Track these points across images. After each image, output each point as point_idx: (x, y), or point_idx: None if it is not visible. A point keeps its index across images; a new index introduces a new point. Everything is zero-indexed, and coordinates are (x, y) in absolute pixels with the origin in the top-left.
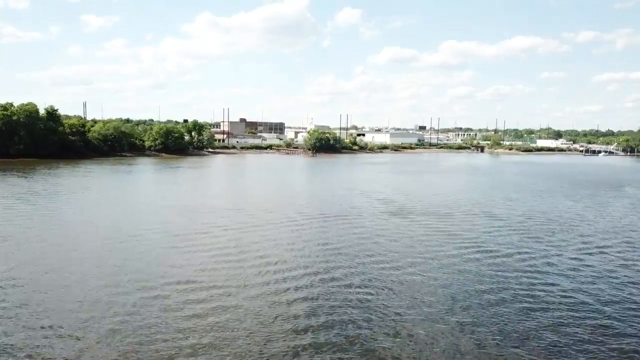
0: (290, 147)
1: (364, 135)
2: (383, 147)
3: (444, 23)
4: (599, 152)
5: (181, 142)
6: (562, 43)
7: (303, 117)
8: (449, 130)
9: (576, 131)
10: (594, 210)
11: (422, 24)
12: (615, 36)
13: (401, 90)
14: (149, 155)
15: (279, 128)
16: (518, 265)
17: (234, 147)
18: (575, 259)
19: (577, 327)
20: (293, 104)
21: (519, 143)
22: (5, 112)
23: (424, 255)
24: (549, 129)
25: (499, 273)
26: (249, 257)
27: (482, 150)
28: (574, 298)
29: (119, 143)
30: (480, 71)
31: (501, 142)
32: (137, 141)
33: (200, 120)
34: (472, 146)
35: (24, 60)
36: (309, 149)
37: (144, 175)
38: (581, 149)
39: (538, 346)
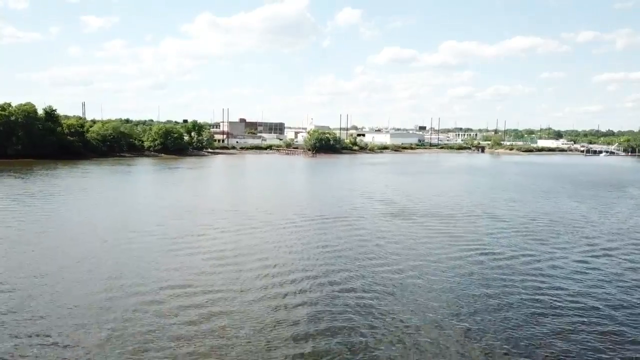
0: (290, 147)
1: (364, 135)
2: (383, 148)
3: (444, 23)
4: (600, 152)
5: (180, 143)
6: (562, 43)
7: (303, 117)
8: (449, 131)
9: (576, 131)
10: (598, 212)
11: (422, 24)
12: (615, 36)
13: (401, 90)
14: (148, 156)
15: (278, 128)
16: (523, 268)
17: (233, 148)
18: (581, 261)
19: (588, 334)
20: (293, 104)
21: (520, 143)
22: (3, 113)
23: (427, 258)
24: (549, 129)
25: (504, 276)
26: (247, 260)
27: (482, 151)
28: (583, 303)
29: (117, 143)
30: (480, 71)
31: (502, 142)
32: (136, 141)
33: (200, 120)
34: (473, 146)
35: (24, 61)
36: (309, 149)
37: (143, 176)
38: (582, 149)
39: (549, 355)
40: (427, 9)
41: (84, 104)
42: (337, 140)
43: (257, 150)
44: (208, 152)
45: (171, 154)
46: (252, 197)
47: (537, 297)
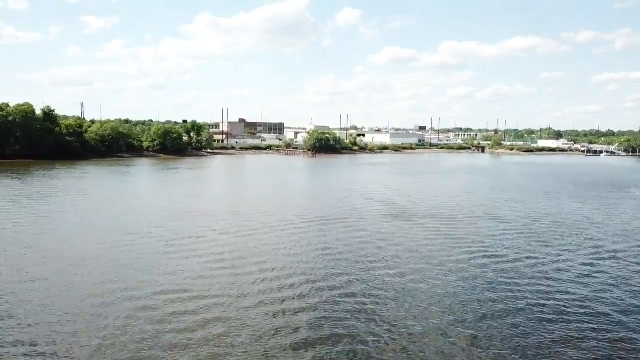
0: (289, 147)
1: (364, 135)
2: (383, 148)
3: (444, 23)
4: (601, 152)
5: (180, 143)
6: (561, 43)
7: (303, 118)
8: (449, 131)
9: (577, 131)
10: (601, 213)
11: (422, 24)
12: (615, 36)
13: (401, 90)
14: (147, 156)
15: (278, 128)
16: (528, 271)
17: (233, 148)
18: (587, 264)
19: (599, 342)
20: (293, 104)
21: (520, 143)
22: (0, 113)
23: (429, 261)
24: (549, 129)
25: (509, 280)
26: (245, 264)
27: (483, 151)
28: (592, 308)
29: (116, 144)
30: (480, 71)
31: (502, 142)
32: (135, 142)
33: (200, 120)
34: (473, 146)
35: (24, 61)
36: (309, 150)
37: (141, 177)
38: (582, 149)
39: None
40: (427, 9)
41: (82, 104)
42: (337, 141)
43: (257, 151)
44: (207, 152)
45: (170, 155)
46: (251, 198)
47: (544, 302)
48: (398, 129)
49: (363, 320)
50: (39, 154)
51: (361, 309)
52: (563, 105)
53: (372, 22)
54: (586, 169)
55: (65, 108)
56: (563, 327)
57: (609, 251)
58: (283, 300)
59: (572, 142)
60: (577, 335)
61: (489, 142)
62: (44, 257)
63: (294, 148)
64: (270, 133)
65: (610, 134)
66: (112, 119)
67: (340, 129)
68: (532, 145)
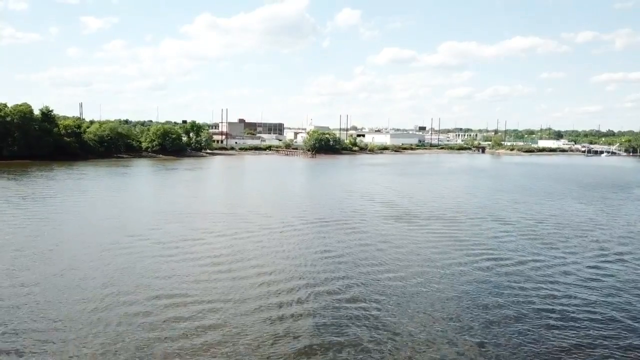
0: (289, 148)
1: (363, 136)
2: (383, 148)
3: (444, 23)
4: (601, 152)
5: (179, 143)
6: (561, 43)
7: (302, 118)
8: (449, 131)
9: (577, 131)
10: (606, 214)
11: (421, 25)
12: (614, 36)
13: (401, 90)
14: (145, 157)
15: (278, 129)
16: (534, 274)
17: (232, 148)
18: (594, 267)
19: (610, 349)
20: (292, 104)
21: (520, 144)
22: None
23: (432, 264)
24: (549, 129)
25: (515, 284)
26: (244, 267)
27: (483, 151)
28: (601, 313)
29: (115, 144)
30: (479, 72)
31: (502, 142)
32: (134, 142)
33: (200, 121)
34: (473, 147)
35: (23, 61)
36: (309, 150)
37: (139, 178)
38: (583, 149)
39: None
40: (426, 10)
41: (81, 105)
42: (337, 141)
43: (256, 151)
44: (207, 152)
45: (169, 155)
46: (251, 199)
47: (552, 307)
48: (398, 130)
49: (365, 327)
50: (37, 154)
51: (363, 315)
52: (563, 105)
53: (371, 23)
54: (587, 169)
55: (65, 108)
56: (572, 334)
57: (616, 254)
58: (282, 306)
59: (573, 143)
60: (588, 343)
61: (489, 143)
62: (39, 260)
63: (293, 148)
64: (270, 133)
65: (610, 134)
66: (112, 119)
67: (340, 129)
68: (532, 145)
